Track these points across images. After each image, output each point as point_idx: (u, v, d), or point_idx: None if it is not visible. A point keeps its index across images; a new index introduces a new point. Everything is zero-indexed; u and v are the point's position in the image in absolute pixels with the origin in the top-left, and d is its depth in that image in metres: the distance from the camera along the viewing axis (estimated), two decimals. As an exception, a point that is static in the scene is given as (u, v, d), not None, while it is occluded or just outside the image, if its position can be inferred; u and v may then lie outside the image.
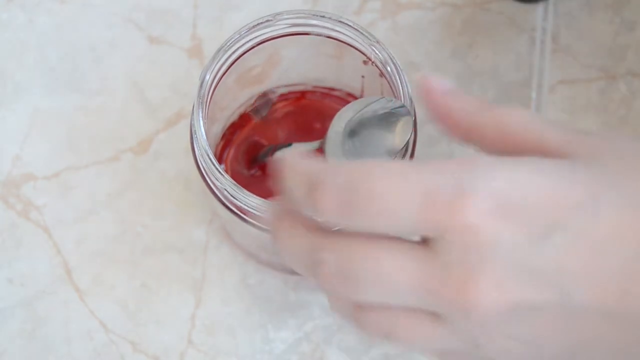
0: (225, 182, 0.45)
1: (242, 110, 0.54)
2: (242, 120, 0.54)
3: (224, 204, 0.47)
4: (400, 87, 0.46)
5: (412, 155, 0.47)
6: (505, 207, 0.32)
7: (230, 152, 0.55)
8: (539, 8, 0.60)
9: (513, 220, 0.32)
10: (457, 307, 0.32)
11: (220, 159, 0.54)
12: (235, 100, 0.53)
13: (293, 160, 0.35)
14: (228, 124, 0.54)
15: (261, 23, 0.48)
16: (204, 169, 0.46)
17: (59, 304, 0.55)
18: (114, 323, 0.55)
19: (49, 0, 0.60)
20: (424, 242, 0.33)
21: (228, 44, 0.47)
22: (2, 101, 0.58)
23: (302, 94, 0.55)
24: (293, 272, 0.55)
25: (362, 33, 0.47)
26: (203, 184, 0.57)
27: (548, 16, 0.60)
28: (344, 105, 0.54)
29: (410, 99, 0.45)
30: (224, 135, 0.54)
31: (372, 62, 0.48)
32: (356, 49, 0.48)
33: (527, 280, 0.32)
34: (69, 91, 0.58)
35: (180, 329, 0.55)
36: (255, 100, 0.52)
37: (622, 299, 0.32)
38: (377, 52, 0.47)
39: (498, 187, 0.32)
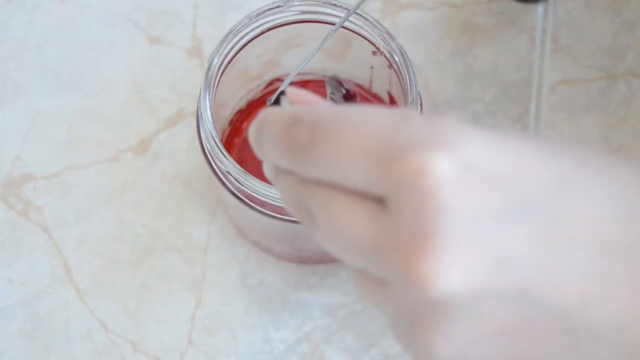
0: (229, 165, 0.45)
1: (250, 97, 0.54)
2: (250, 107, 0.55)
3: (228, 189, 0.47)
4: (408, 78, 0.46)
5: None
6: (470, 175, 0.28)
7: (238, 140, 0.55)
8: (539, 8, 0.60)
9: (477, 191, 0.28)
10: (402, 276, 0.29)
11: (226, 145, 0.54)
12: (244, 87, 0.53)
13: (271, 111, 0.33)
14: (236, 109, 0.54)
15: (271, 8, 0.47)
16: (209, 152, 0.46)
17: (59, 304, 0.55)
18: (114, 323, 0.55)
19: (49, 0, 0.60)
20: (382, 200, 0.30)
21: (237, 28, 0.47)
22: (2, 101, 0.58)
23: (309, 83, 0.55)
24: (298, 261, 0.55)
25: (372, 23, 0.47)
26: (203, 183, 0.57)
27: (548, 16, 0.60)
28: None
29: (417, 90, 0.46)
30: (231, 122, 0.54)
31: (381, 53, 0.48)
32: (366, 38, 0.48)
33: (483, 261, 0.28)
34: (69, 91, 0.58)
35: (180, 329, 0.55)
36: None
37: (581, 306, 0.29)
38: (386, 42, 0.47)
39: (465, 150, 0.29)
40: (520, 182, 0.29)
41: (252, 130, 0.34)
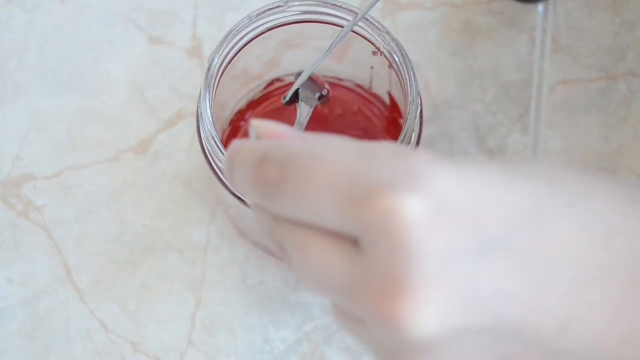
0: None
1: (250, 97, 0.54)
2: (250, 107, 0.55)
3: (228, 189, 0.47)
4: (408, 78, 0.46)
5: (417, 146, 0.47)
6: (440, 214, 0.28)
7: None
8: (539, 8, 0.60)
9: (448, 230, 0.28)
10: (377, 318, 0.29)
11: (226, 145, 0.54)
12: (244, 86, 0.53)
13: (240, 145, 0.33)
14: (236, 110, 0.54)
15: (271, 8, 0.47)
16: (209, 152, 0.46)
17: (59, 304, 0.55)
18: (114, 323, 0.55)
19: (49, 0, 0.60)
20: (355, 240, 0.30)
21: (237, 28, 0.47)
22: (2, 101, 0.58)
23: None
24: None
25: (372, 23, 0.47)
26: (203, 183, 0.57)
27: (548, 16, 0.60)
28: (351, 96, 0.54)
29: (417, 90, 0.46)
30: (231, 122, 0.54)
31: (381, 53, 0.48)
32: (366, 38, 0.48)
33: (458, 301, 0.28)
34: (69, 91, 0.59)
35: (180, 329, 0.55)
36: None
37: (560, 335, 0.29)
38: (386, 42, 0.47)
39: (434, 189, 0.28)
40: (491, 216, 0.29)
41: (224, 164, 0.34)
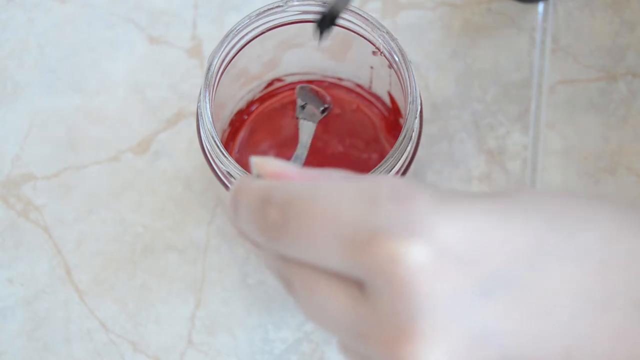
0: (229, 165, 0.45)
1: (250, 97, 0.54)
2: (250, 107, 0.55)
3: (228, 189, 0.47)
4: (408, 78, 0.46)
5: (415, 149, 0.47)
6: (443, 258, 0.29)
7: (238, 140, 0.55)
8: (539, 8, 0.60)
9: (451, 273, 0.29)
10: None
11: (226, 145, 0.54)
12: (244, 86, 0.53)
13: (242, 184, 0.33)
14: (236, 110, 0.54)
15: (271, 9, 0.47)
16: (209, 152, 0.46)
17: (59, 304, 0.55)
18: (114, 323, 0.55)
19: (49, 0, 0.60)
20: (360, 283, 0.30)
21: (237, 28, 0.47)
22: (2, 101, 0.58)
23: (309, 84, 0.55)
24: None
25: (372, 23, 0.47)
26: (203, 183, 0.57)
27: (548, 16, 0.60)
28: (351, 96, 0.54)
29: (417, 90, 0.46)
30: (231, 122, 0.54)
31: (381, 53, 0.48)
32: (366, 38, 0.48)
33: (466, 341, 0.29)
34: (69, 91, 0.59)
35: (180, 329, 0.55)
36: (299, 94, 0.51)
37: None
38: (386, 42, 0.47)
39: (436, 235, 0.29)
40: (492, 256, 0.30)
41: (229, 203, 0.34)
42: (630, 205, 0.33)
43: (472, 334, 0.29)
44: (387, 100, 0.54)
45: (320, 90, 0.49)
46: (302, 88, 0.50)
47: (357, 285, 0.30)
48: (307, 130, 0.48)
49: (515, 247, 0.30)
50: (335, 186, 0.31)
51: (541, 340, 0.30)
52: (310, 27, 0.49)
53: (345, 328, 0.30)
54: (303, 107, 0.48)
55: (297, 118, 0.49)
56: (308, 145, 0.48)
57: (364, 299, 0.30)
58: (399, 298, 0.29)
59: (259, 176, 0.34)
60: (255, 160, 0.34)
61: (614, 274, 0.31)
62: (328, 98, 0.49)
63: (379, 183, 0.30)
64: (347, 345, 0.32)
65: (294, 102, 0.55)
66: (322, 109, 0.49)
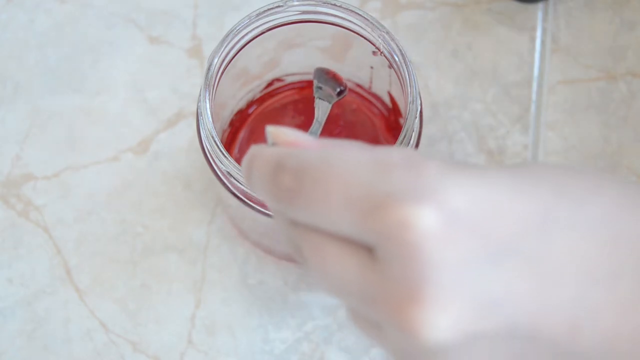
0: (229, 165, 0.45)
1: (250, 97, 0.54)
2: (250, 107, 0.55)
3: (228, 189, 0.47)
4: (408, 78, 0.46)
5: (415, 149, 0.47)
6: (453, 224, 0.29)
7: (238, 140, 0.55)
8: (539, 8, 0.60)
9: (461, 239, 0.29)
10: (395, 325, 0.30)
11: (226, 145, 0.54)
12: (244, 86, 0.53)
13: (257, 151, 0.34)
14: (236, 110, 0.54)
15: (271, 9, 0.47)
16: (209, 152, 0.46)
17: (59, 304, 0.55)
18: (114, 323, 0.55)
19: (49, 0, 0.60)
20: (370, 247, 0.31)
21: (237, 28, 0.47)
22: (2, 101, 0.58)
23: (309, 83, 0.55)
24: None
25: (372, 22, 0.47)
26: (203, 183, 0.57)
27: (548, 16, 0.60)
28: (351, 96, 0.54)
29: (417, 90, 0.46)
30: (231, 122, 0.54)
31: (381, 53, 0.48)
32: (366, 38, 0.48)
33: (474, 307, 0.29)
34: (69, 91, 0.58)
35: (180, 329, 0.55)
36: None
37: (571, 335, 0.30)
38: (386, 42, 0.47)
39: (446, 200, 0.29)
40: (501, 225, 0.30)
41: (243, 169, 0.35)
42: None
43: (481, 300, 0.29)
44: (387, 100, 0.54)
45: (337, 73, 0.49)
46: (318, 70, 0.50)
47: (368, 250, 0.30)
48: (323, 108, 0.48)
49: (525, 217, 0.30)
50: (349, 153, 0.31)
51: (548, 310, 0.30)
52: (311, 27, 0.49)
53: (355, 293, 0.31)
54: (320, 87, 0.49)
55: (313, 97, 0.49)
56: (323, 122, 0.48)
57: (374, 264, 0.30)
58: (409, 262, 0.29)
59: (273, 145, 0.35)
60: (270, 129, 0.35)
61: (622, 247, 0.31)
62: (344, 81, 0.49)
63: (393, 152, 0.31)
64: (356, 311, 0.32)
65: (294, 102, 0.55)
66: (338, 90, 0.49)
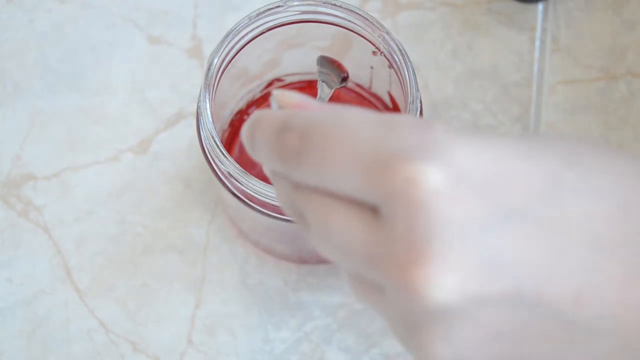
0: (229, 165, 0.45)
1: (250, 97, 0.54)
2: (250, 107, 0.55)
3: (228, 189, 0.47)
4: (408, 78, 0.46)
5: None
6: (460, 184, 0.29)
7: (238, 140, 0.55)
8: (539, 8, 0.60)
9: (468, 200, 0.29)
10: (398, 285, 0.29)
11: (226, 145, 0.54)
12: (244, 86, 0.53)
13: (261, 114, 0.33)
14: (236, 110, 0.54)
15: (271, 9, 0.47)
16: (209, 152, 0.46)
17: (59, 304, 0.55)
18: (114, 323, 0.55)
19: (49, 0, 0.60)
20: (375, 208, 0.30)
21: (237, 28, 0.47)
22: (2, 101, 0.58)
23: (309, 83, 0.55)
24: (298, 261, 0.55)
25: (372, 23, 0.47)
26: (203, 183, 0.57)
27: (548, 16, 0.60)
28: (351, 96, 0.54)
29: (417, 90, 0.46)
30: (231, 122, 0.54)
31: (381, 53, 0.48)
32: (366, 38, 0.48)
33: (480, 267, 0.29)
34: (69, 91, 0.58)
35: (180, 329, 0.55)
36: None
37: (576, 304, 0.30)
38: (386, 42, 0.47)
39: (453, 159, 0.29)
40: (510, 187, 0.29)
41: (245, 133, 0.34)
42: None
43: (487, 261, 0.29)
44: (387, 100, 0.54)
45: (339, 62, 0.50)
46: (322, 57, 0.50)
47: (373, 211, 0.30)
48: (325, 90, 0.48)
49: (533, 181, 0.30)
50: (356, 114, 0.31)
51: (555, 277, 0.30)
52: (311, 27, 0.49)
53: (358, 254, 0.30)
54: (323, 72, 0.49)
55: (317, 80, 0.49)
56: (326, 101, 0.48)
57: (379, 224, 0.30)
58: (414, 220, 0.28)
59: (279, 109, 0.34)
60: (276, 93, 0.34)
61: (631, 218, 0.31)
62: (346, 69, 0.49)
63: (400, 115, 0.31)
64: (357, 276, 0.32)
65: None
66: (341, 77, 0.49)
